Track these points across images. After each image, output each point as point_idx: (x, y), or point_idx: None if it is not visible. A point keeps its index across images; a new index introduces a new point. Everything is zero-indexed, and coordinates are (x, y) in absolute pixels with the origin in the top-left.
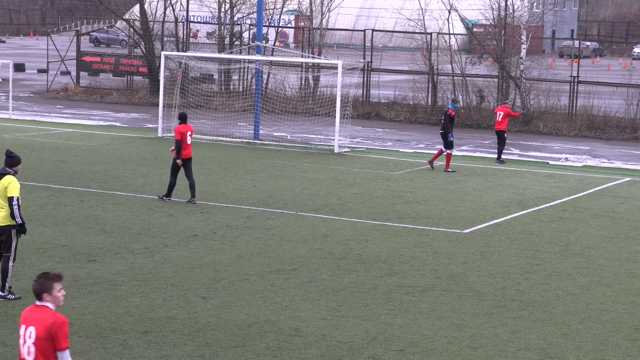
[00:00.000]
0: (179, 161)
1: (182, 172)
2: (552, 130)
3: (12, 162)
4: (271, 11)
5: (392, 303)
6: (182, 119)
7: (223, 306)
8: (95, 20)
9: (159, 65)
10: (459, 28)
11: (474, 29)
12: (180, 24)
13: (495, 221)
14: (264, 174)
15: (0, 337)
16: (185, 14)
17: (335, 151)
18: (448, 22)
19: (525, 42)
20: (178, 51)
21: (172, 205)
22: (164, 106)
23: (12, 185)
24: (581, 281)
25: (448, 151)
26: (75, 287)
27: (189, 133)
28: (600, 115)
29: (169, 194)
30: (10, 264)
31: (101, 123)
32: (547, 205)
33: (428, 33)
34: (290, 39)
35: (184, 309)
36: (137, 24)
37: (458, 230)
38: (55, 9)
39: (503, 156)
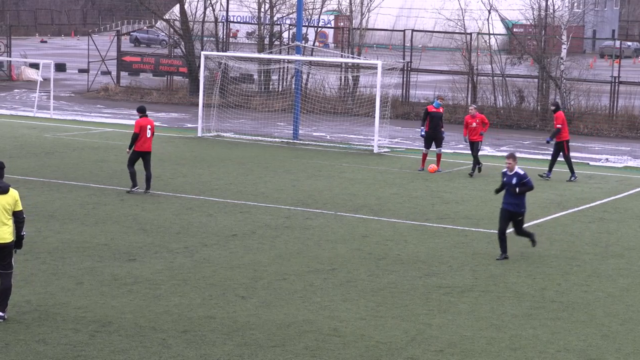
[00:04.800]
0: (129, 150)
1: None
2: (593, 130)
3: (2, 173)
4: (311, 11)
5: (430, 303)
6: (142, 111)
7: (262, 306)
8: (135, 20)
9: (199, 65)
10: (499, 28)
11: (514, 29)
12: (220, 24)
13: (535, 222)
14: (303, 173)
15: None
16: (225, 14)
17: (375, 151)
18: (488, 22)
19: (565, 43)
20: (218, 51)
21: (211, 205)
22: (203, 106)
23: (19, 198)
24: (621, 282)
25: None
26: (115, 286)
27: (148, 127)
28: None
29: (134, 183)
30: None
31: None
32: (587, 206)
33: (468, 33)
34: (330, 39)
35: (223, 309)
36: (177, 24)
37: (497, 231)
38: (96, 9)
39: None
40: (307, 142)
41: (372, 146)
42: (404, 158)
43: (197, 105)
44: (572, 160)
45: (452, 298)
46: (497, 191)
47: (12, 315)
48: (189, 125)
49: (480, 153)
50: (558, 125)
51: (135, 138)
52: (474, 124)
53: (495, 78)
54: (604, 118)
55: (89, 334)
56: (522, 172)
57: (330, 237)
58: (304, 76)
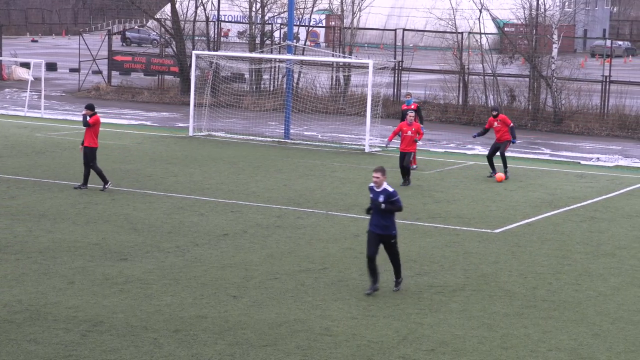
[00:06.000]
0: (80, 147)
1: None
2: (584, 130)
3: None
4: (302, 10)
5: (422, 303)
6: (93, 109)
7: (253, 305)
8: (126, 19)
9: (190, 65)
10: (490, 27)
11: (505, 29)
12: (212, 23)
13: (526, 221)
14: (294, 173)
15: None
16: (216, 14)
17: (366, 150)
18: (479, 22)
19: (556, 42)
20: (209, 50)
21: (202, 205)
22: (195, 105)
23: None
24: (613, 282)
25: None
26: (106, 286)
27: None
28: (632, 115)
29: (105, 180)
30: None
31: (132, 122)
32: (579, 205)
33: (459, 32)
34: (321, 39)
35: (214, 308)
36: (169, 23)
37: (489, 230)
38: (87, 8)
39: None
40: (298, 142)
41: (364, 145)
42: (395, 157)
43: (189, 104)
44: (564, 159)
45: (443, 297)
46: (368, 211)
47: (3, 315)
48: (180, 125)
49: (472, 152)
50: (511, 124)
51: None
52: (409, 132)
53: (487, 77)
54: (595, 117)
55: (81, 333)
56: (391, 190)
57: (321, 237)
58: (295, 75)
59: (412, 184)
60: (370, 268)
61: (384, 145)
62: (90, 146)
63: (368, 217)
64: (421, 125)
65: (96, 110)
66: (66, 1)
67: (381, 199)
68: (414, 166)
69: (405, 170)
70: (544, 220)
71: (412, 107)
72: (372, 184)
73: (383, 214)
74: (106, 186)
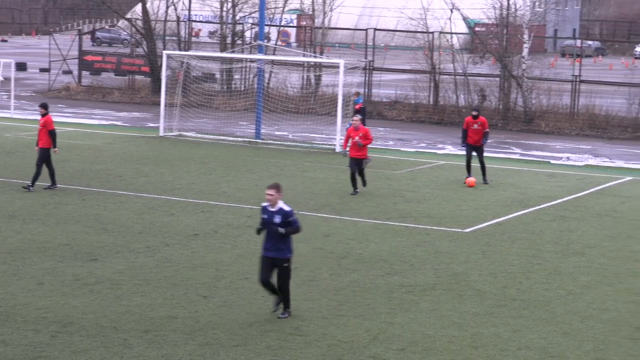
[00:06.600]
0: (36, 148)
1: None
2: (554, 129)
3: None
4: (273, 10)
5: (393, 302)
6: (47, 108)
7: (224, 305)
8: (97, 19)
9: (161, 65)
10: (461, 27)
11: (476, 28)
12: (182, 23)
13: (497, 220)
14: (265, 173)
15: (1, 336)
16: (187, 13)
17: (337, 150)
18: (450, 22)
19: (527, 41)
20: (180, 50)
21: (173, 205)
22: (165, 105)
23: None
24: (582, 280)
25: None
26: (76, 286)
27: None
28: (602, 115)
29: (34, 181)
30: None
31: (103, 122)
32: (549, 204)
33: (430, 32)
34: (292, 38)
35: (185, 308)
36: (139, 23)
37: (459, 230)
38: (58, 8)
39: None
40: (269, 142)
41: (334, 145)
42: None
43: (159, 104)
44: (534, 159)
45: (414, 296)
46: (259, 231)
47: None
48: (151, 125)
49: (443, 152)
50: (487, 130)
51: (55, 134)
52: (357, 138)
53: (458, 77)
54: (565, 117)
55: (50, 334)
56: (287, 209)
57: (292, 236)
58: (267, 75)
59: (383, 183)
60: (267, 288)
61: (343, 152)
62: (45, 147)
63: (338, 217)
64: (368, 129)
65: (49, 110)
66: (36, 1)
67: (277, 219)
68: (368, 160)
69: (354, 182)
70: (514, 220)
71: (357, 106)
72: (265, 203)
73: (280, 237)
74: (31, 188)
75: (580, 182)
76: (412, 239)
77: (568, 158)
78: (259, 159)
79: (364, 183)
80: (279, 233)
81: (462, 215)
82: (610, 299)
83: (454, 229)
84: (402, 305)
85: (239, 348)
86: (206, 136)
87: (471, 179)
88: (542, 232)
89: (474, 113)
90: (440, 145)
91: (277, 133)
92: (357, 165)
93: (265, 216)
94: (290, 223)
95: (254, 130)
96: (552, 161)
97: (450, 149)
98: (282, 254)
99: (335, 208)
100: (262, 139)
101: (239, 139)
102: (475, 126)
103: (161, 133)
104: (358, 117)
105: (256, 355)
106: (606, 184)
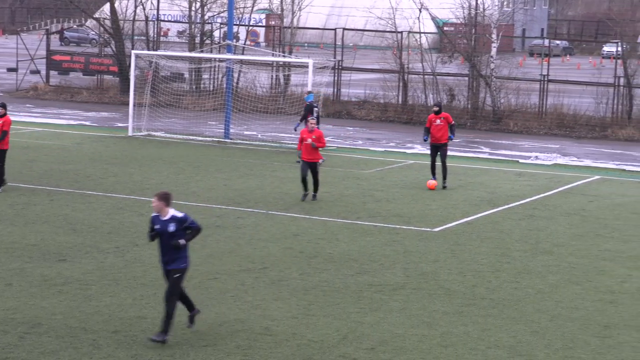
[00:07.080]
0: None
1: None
2: (522, 128)
3: None
4: (242, 10)
5: (362, 302)
6: (6, 108)
7: None
8: (65, 19)
9: (130, 64)
10: (430, 27)
11: (445, 28)
12: (151, 22)
13: (466, 219)
14: (234, 172)
15: None
16: (155, 13)
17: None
18: (419, 21)
19: (495, 41)
20: (148, 50)
21: (142, 205)
22: (134, 105)
23: None
24: (551, 279)
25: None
26: (44, 287)
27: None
28: (570, 114)
29: (1, 182)
30: None
31: (71, 122)
32: (518, 203)
33: (399, 32)
34: (261, 38)
35: (154, 309)
36: (108, 22)
37: (428, 229)
38: (25, 7)
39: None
40: (238, 141)
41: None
42: (335, 157)
43: (128, 104)
44: (503, 158)
45: (383, 296)
46: (152, 238)
47: None
48: (120, 125)
49: (412, 151)
50: (453, 122)
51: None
52: (309, 140)
53: (426, 77)
54: (533, 116)
55: (18, 335)
56: (180, 215)
57: (261, 236)
58: (235, 75)
59: (352, 183)
60: (186, 304)
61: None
62: (2, 148)
63: (307, 216)
64: (323, 133)
65: (7, 110)
66: (3, 0)
67: (172, 228)
68: (321, 160)
69: (306, 184)
70: (483, 219)
71: (306, 103)
72: (155, 213)
73: (179, 247)
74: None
75: (548, 181)
76: (382, 238)
77: (536, 157)
78: (228, 158)
79: (316, 188)
80: (178, 246)
81: (432, 215)
82: (578, 297)
83: (423, 228)
84: (372, 304)
85: (208, 348)
86: (175, 136)
87: (432, 182)
88: (511, 231)
89: (435, 109)
90: (409, 145)
91: (246, 133)
92: (310, 169)
93: (158, 227)
94: (188, 227)
95: (223, 130)
96: (520, 160)
97: (419, 149)
98: (177, 263)
99: (304, 208)
100: (231, 139)
101: (208, 138)
102: (438, 122)
103: (130, 133)
104: (314, 119)
105: (226, 355)
106: (574, 182)
